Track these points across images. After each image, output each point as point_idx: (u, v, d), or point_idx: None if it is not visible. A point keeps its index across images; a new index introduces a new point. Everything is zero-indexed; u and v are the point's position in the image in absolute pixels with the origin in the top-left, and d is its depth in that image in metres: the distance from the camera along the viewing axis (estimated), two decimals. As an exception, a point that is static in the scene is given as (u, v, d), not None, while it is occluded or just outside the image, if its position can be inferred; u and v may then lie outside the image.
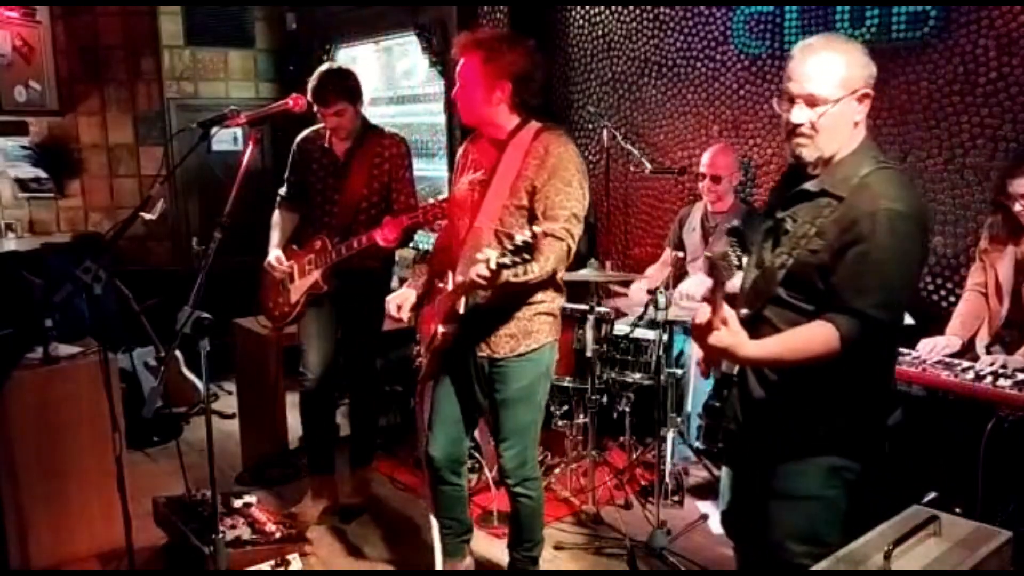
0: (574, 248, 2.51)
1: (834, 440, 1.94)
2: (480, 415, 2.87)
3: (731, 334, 1.78)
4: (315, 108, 3.31)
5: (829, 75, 1.85)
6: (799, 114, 1.88)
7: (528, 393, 2.67)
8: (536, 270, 2.32)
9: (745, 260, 1.93)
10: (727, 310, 1.78)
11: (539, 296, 2.59)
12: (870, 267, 1.79)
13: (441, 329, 2.64)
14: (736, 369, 2.09)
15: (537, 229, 2.21)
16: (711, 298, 1.76)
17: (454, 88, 2.60)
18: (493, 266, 2.21)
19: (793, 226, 1.94)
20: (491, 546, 3.37)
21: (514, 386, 2.64)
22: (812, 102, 1.87)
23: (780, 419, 1.99)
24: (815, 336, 1.84)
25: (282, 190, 3.63)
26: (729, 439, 2.22)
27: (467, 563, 3.05)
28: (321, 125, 3.50)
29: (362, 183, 3.42)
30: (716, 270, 1.81)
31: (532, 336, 2.60)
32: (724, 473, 2.30)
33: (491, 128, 2.58)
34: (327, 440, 3.76)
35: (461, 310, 2.57)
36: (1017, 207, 2.84)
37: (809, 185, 1.94)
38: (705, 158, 3.92)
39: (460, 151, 2.79)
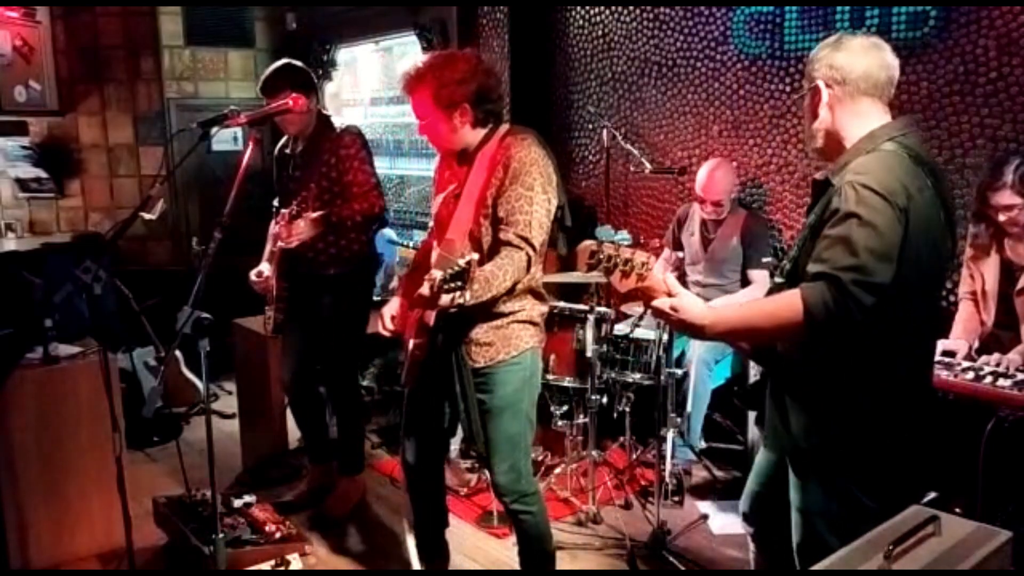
0: (535, 256, 2.44)
1: (838, 461, 1.90)
2: (457, 424, 2.79)
3: (680, 302, 1.86)
4: (265, 102, 3.33)
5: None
6: None
7: (513, 400, 2.58)
8: (468, 298, 2.24)
9: (626, 253, 1.98)
10: (669, 279, 1.91)
11: (516, 305, 2.53)
12: (837, 236, 1.78)
13: (413, 341, 2.59)
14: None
15: (474, 256, 2.19)
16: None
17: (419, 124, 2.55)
18: (435, 287, 2.18)
19: (806, 219, 1.98)
20: (491, 546, 3.38)
21: (498, 393, 2.56)
22: None
23: (788, 433, 1.97)
24: (780, 300, 1.83)
25: (275, 201, 3.67)
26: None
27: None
28: None
29: (312, 180, 3.40)
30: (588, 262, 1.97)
31: (511, 343, 2.54)
32: (760, 457, 2.23)
33: (463, 146, 2.54)
34: (314, 431, 3.80)
35: (431, 322, 2.52)
36: (1001, 218, 2.88)
37: (818, 175, 1.99)
38: (701, 180, 3.88)
39: (435, 166, 2.76)
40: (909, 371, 1.94)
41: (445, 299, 2.21)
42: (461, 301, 2.22)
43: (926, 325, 1.99)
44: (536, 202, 2.41)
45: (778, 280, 2.00)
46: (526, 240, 2.40)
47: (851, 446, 1.89)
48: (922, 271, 1.85)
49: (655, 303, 1.91)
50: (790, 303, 1.78)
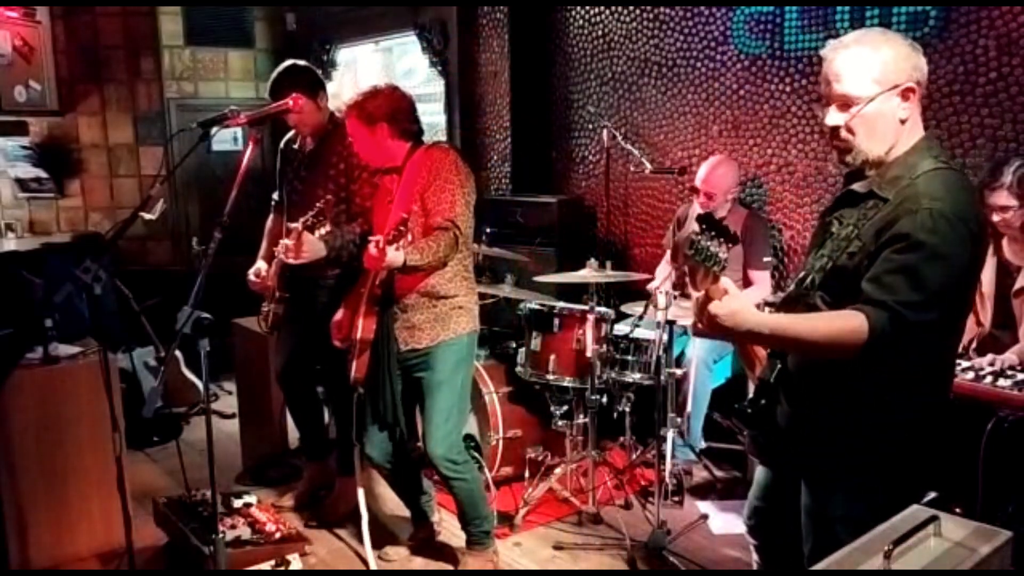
0: (461, 235, 2.85)
1: (865, 467, 1.87)
2: (412, 409, 3.09)
3: (727, 303, 1.69)
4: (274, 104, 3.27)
5: (859, 72, 1.77)
6: (833, 117, 1.81)
7: (450, 376, 2.95)
8: (411, 251, 2.65)
9: (715, 246, 1.70)
10: (725, 281, 1.70)
11: (452, 291, 2.94)
12: (904, 264, 1.69)
13: (363, 327, 2.93)
14: (773, 377, 1.97)
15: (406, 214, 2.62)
16: (682, 275, 1.72)
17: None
18: (380, 244, 2.56)
19: (837, 228, 1.87)
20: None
21: (437, 369, 2.94)
22: (845, 103, 1.79)
23: (809, 441, 1.92)
24: (842, 318, 1.72)
25: (274, 195, 3.64)
26: (762, 448, 2.13)
27: (436, 518, 3.39)
28: None
29: (319, 184, 3.37)
30: (680, 253, 1.74)
31: (450, 327, 2.94)
32: (759, 472, 2.21)
33: (391, 160, 2.98)
34: (310, 428, 3.80)
35: (379, 294, 2.89)
36: (995, 218, 2.86)
37: (857, 186, 1.87)
38: (701, 172, 3.88)
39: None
40: (942, 378, 1.90)
41: (391, 253, 2.58)
42: (404, 256, 2.61)
43: (960, 334, 2.02)
44: (457, 194, 2.86)
45: (801, 288, 1.87)
46: (452, 221, 2.81)
47: (882, 447, 1.86)
48: (972, 291, 1.88)
49: (713, 307, 1.71)
50: (855, 327, 1.69)
